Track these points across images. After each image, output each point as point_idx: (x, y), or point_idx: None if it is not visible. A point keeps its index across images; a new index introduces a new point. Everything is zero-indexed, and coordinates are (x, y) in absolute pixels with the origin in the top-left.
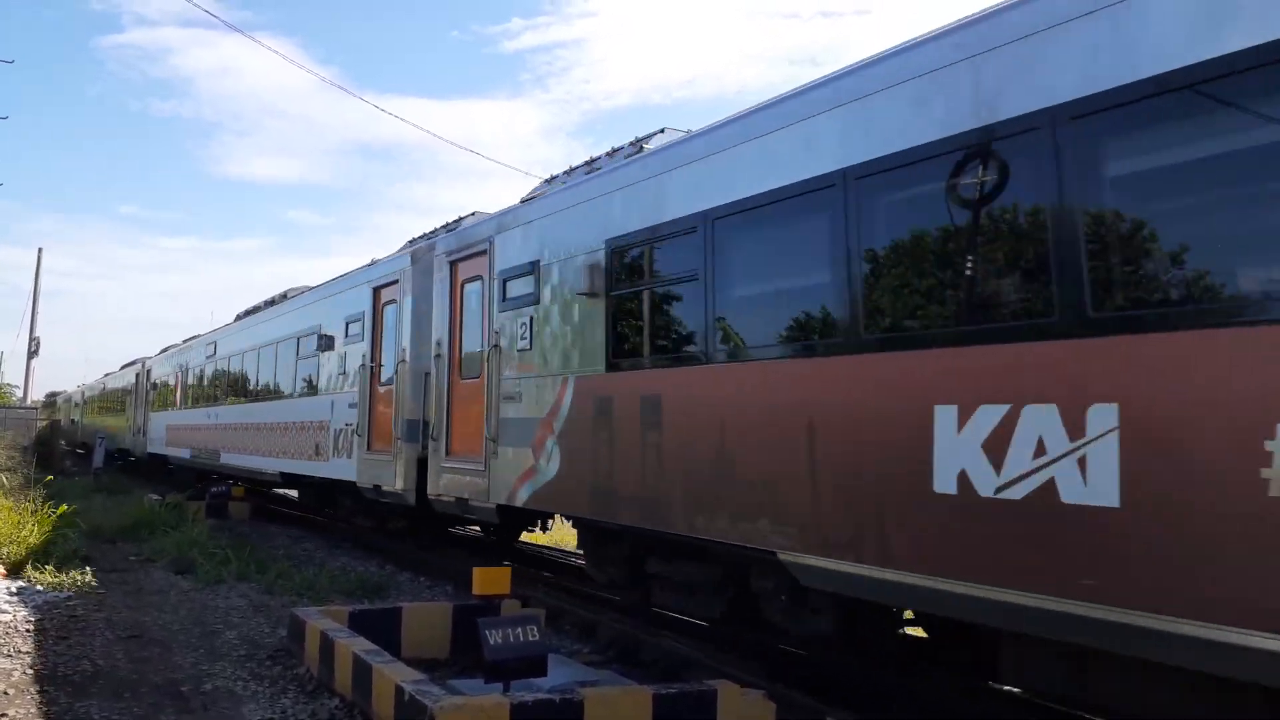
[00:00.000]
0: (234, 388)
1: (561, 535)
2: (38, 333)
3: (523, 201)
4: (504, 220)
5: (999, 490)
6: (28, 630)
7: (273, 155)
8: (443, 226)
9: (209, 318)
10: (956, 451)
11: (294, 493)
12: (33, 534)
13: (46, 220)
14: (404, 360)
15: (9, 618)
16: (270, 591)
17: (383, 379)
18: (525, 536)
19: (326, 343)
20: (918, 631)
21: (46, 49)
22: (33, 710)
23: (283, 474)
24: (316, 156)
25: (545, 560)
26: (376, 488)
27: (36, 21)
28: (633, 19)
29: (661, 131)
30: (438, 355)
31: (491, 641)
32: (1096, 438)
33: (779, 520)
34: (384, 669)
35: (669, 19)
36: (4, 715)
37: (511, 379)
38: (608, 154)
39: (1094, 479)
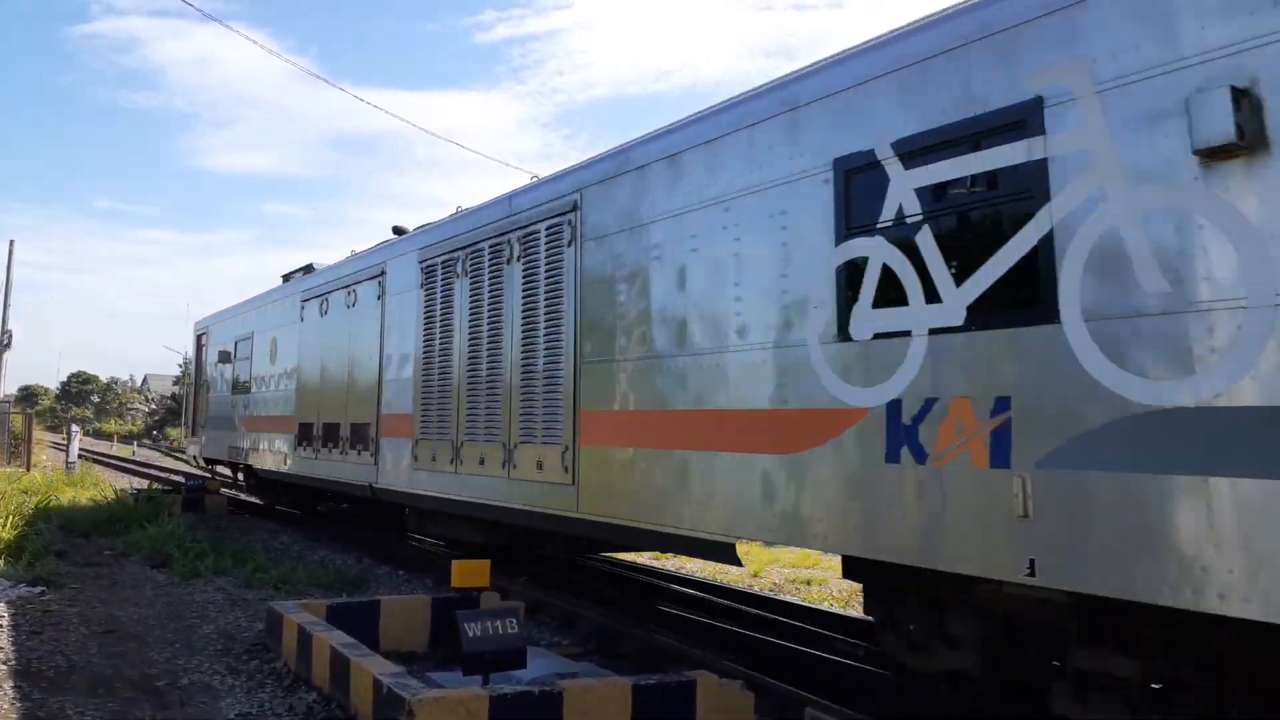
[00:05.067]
0: None
1: None
2: (10, 326)
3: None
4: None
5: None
6: (0, 625)
7: (249, 148)
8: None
9: (185, 310)
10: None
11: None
12: (4, 528)
13: (21, 214)
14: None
15: None
16: (248, 585)
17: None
18: None
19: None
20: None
21: (14, 38)
22: (5, 706)
23: None
24: (293, 149)
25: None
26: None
27: (3, 11)
28: (606, 12)
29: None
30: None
31: (470, 634)
32: None
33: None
34: (362, 662)
35: (643, 11)
36: None
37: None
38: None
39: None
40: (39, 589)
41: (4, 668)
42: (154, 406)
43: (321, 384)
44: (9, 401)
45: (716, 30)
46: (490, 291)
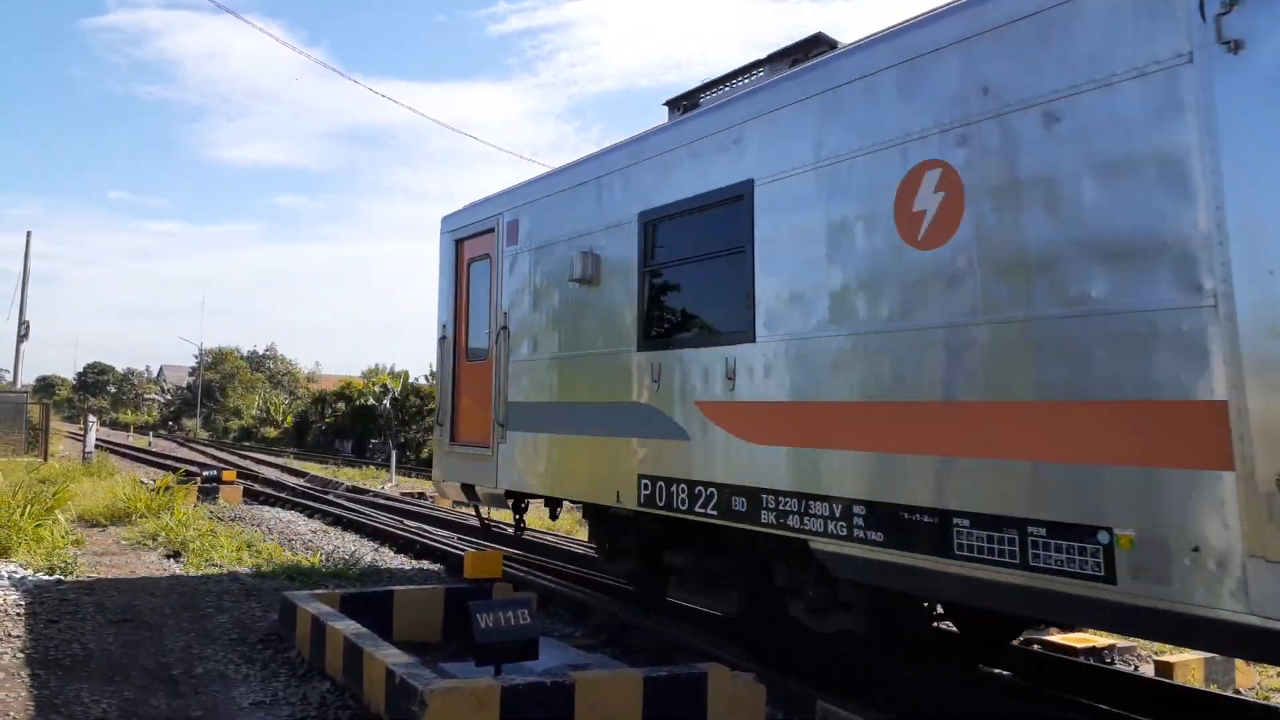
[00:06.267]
0: None
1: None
2: (26, 317)
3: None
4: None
5: None
6: (18, 614)
7: (261, 139)
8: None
9: (200, 301)
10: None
11: (290, 478)
12: (22, 518)
13: (35, 205)
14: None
15: None
16: (262, 575)
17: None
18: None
19: None
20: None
21: (29, 30)
22: (23, 693)
23: None
24: (304, 141)
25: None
26: None
27: (17, 2)
28: (618, 2)
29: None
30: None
31: (482, 624)
32: None
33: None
34: (375, 652)
35: (655, 2)
36: None
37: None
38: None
39: None
40: (55, 578)
41: (21, 655)
42: (169, 397)
43: None
44: (26, 392)
45: (728, 22)
46: None
